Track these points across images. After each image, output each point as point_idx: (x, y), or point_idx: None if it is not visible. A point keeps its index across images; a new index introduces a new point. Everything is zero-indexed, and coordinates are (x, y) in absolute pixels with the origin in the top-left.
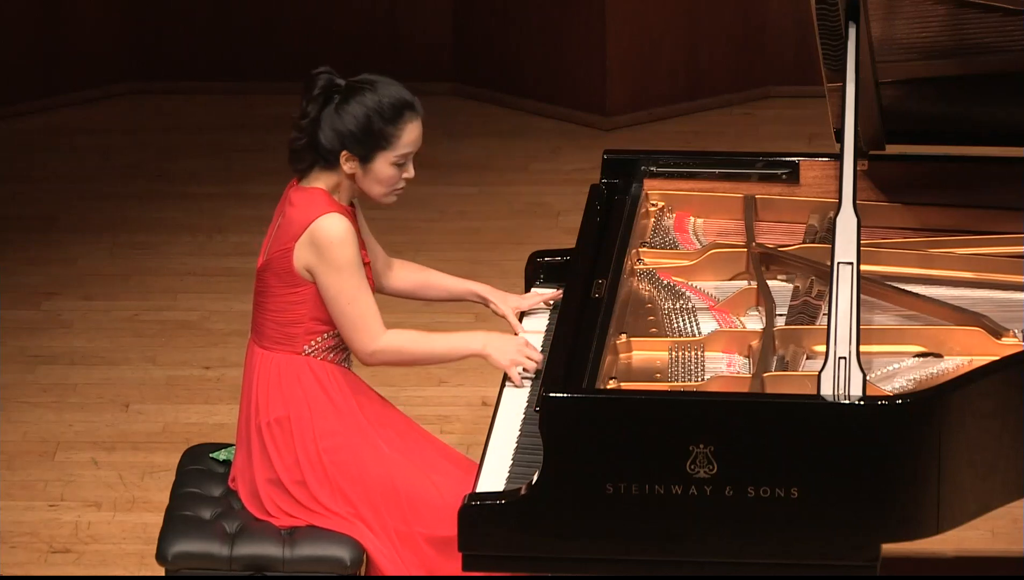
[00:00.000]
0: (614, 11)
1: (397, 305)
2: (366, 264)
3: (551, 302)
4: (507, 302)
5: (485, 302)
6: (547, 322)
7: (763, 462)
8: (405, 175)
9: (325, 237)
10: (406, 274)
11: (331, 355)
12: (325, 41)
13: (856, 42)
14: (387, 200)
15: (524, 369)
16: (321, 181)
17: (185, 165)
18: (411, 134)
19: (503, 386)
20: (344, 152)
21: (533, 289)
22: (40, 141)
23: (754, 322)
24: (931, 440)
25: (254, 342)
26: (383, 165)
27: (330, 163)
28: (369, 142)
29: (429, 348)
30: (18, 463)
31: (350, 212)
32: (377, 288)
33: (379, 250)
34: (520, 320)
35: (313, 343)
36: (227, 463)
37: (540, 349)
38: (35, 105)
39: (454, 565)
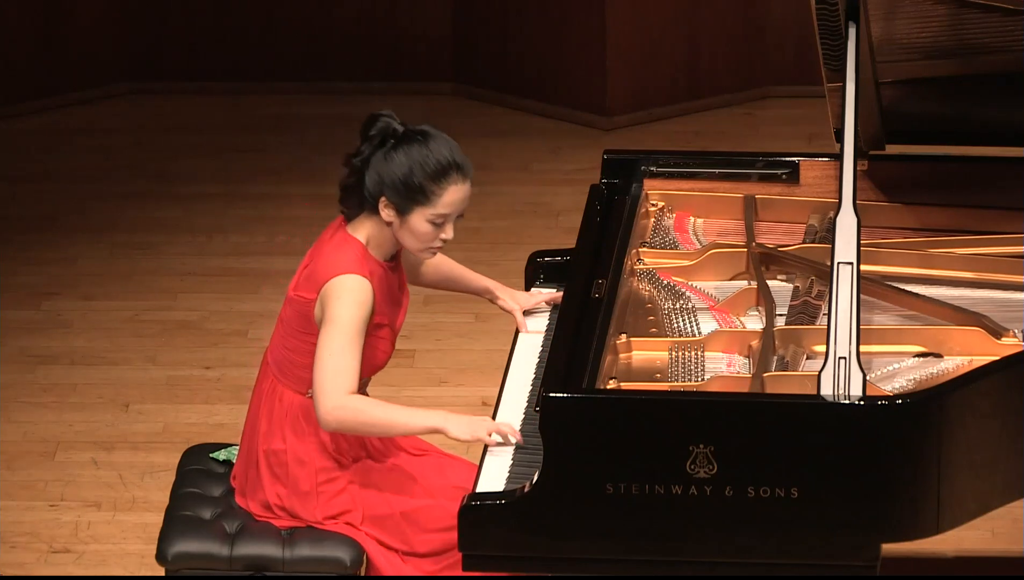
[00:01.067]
0: (614, 11)
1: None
2: (384, 326)
3: (552, 303)
4: (515, 299)
5: (493, 298)
6: (547, 322)
7: (763, 462)
8: (443, 235)
9: (333, 292)
10: (436, 266)
11: None
12: (325, 41)
13: (856, 42)
14: (423, 255)
15: (490, 443)
16: (364, 229)
17: (185, 165)
18: (452, 196)
19: (503, 386)
20: (383, 198)
21: (534, 289)
22: (40, 141)
23: (754, 322)
24: (931, 440)
25: (269, 362)
26: (419, 220)
27: (371, 207)
28: (408, 195)
29: (389, 417)
30: (18, 463)
31: (384, 268)
32: (409, 280)
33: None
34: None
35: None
36: (227, 463)
37: (540, 349)
38: (35, 105)
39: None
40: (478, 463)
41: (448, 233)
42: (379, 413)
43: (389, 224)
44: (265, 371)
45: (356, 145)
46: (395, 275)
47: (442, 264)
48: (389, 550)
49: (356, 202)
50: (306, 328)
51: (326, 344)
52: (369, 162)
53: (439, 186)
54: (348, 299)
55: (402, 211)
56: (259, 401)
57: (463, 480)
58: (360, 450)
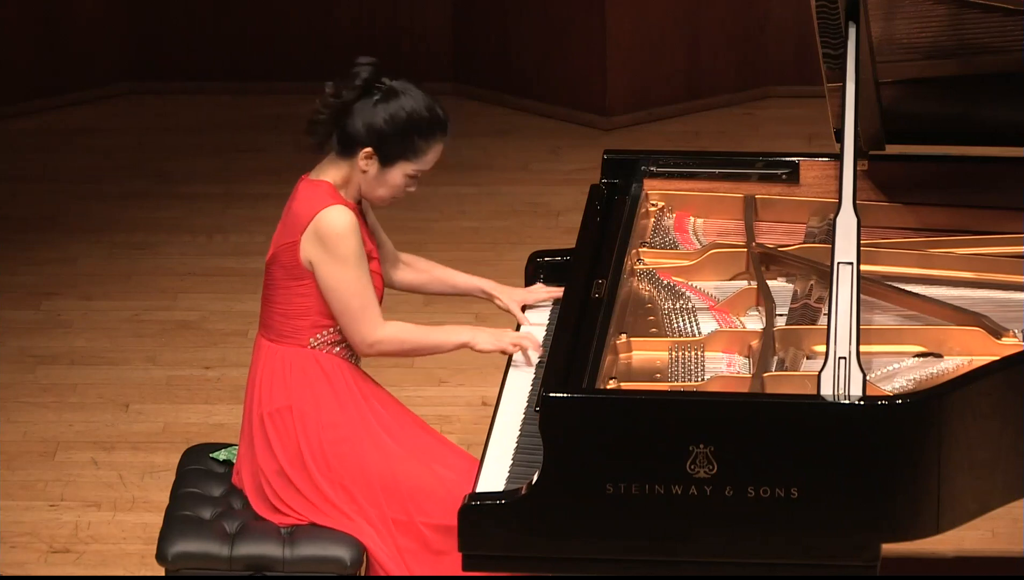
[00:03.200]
0: (614, 11)
1: (396, 304)
2: (374, 258)
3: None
4: (512, 296)
5: (490, 297)
6: (548, 316)
7: (763, 462)
8: (410, 188)
9: (328, 229)
10: (413, 268)
11: (337, 349)
12: (325, 41)
13: (856, 42)
14: (384, 204)
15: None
16: (330, 174)
17: (185, 165)
18: (436, 153)
19: (503, 386)
20: (367, 148)
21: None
22: (40, 141)
23: (754, 322)
24: (931, 440)
25: (261, 335)
26: (399, 173)
27: (346, 153)
28: (398, 147)
29: (426, 338)
30: (18, 463)
31: (355, 207)
32: (386, 283)
33: (388, 244)
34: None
35: (319, 336)
36: (227, 463)
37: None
38: (35, 105)
39: (454, 555)
40: (482, 449)
41: (414, 187)
42: (417, 336)
43: (363, 173)
44: (259, 345)
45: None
46: (361, 217)
47: (426, 265)
48: (389, 545)
49: (324, 135)
50: (293, 273)
51: (343, 283)
52: (351, 110)
53: (428, 143)
54: (343, 231)
55: (386, 162)
56: (256, 370)
57: (466, 474)
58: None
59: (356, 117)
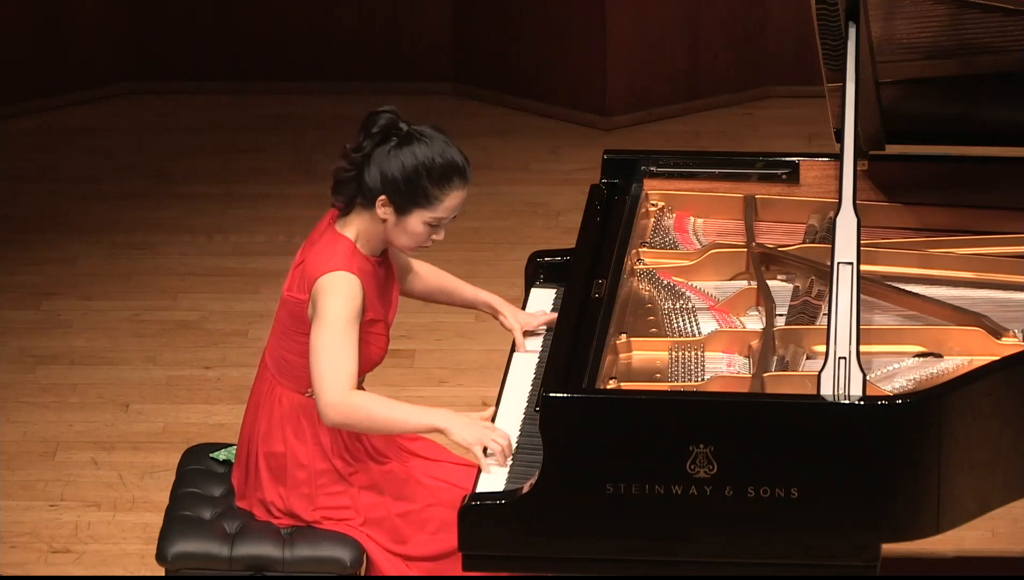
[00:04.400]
0: (614, 11)
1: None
2: (378, 321)
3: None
4: (517, 318)
5: (495, 314)
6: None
7: (763, 462)
8: (435, 237)
9: (322, 290)
10: (426, 279)
11: None
12: (325, 41)
13: (856, 42)
14: (410, 252)
15: (489, 451)
16: (354, 225)
17: (185, 165)
18: (453, 201)
19: (503, 386)
20: (383, 196)
21: (532, 290)
22: (40, 141)
23: (754, 322)
24: (931, 440)
25: (267, 363)
26: (416, 221)
27: (367, 202)
28: (410, 195)
29: (391, 414)
30: (18, 463)
31: (372, 263)
32: (402, 292)
33: (401, 254)
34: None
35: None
36: (227, 463)
37: (540, 350)
38: (35, 105)
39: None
40: (478, 463)
41: (440, 235)
42: (382, 409)
43: (383, 221)
44: (263, 372)
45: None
46: (384, 269)
47: (435, 276)
48: (388, 551)
49: (350, 195)
50: (300, 328)
51: (319, 342)
52: (370, 158)
53: (442, 191)
54: (337, 295)
55: (401, 211)
56: (258, 402)
57: (463, 482)
58: (360, 451)
59: (372, 165)
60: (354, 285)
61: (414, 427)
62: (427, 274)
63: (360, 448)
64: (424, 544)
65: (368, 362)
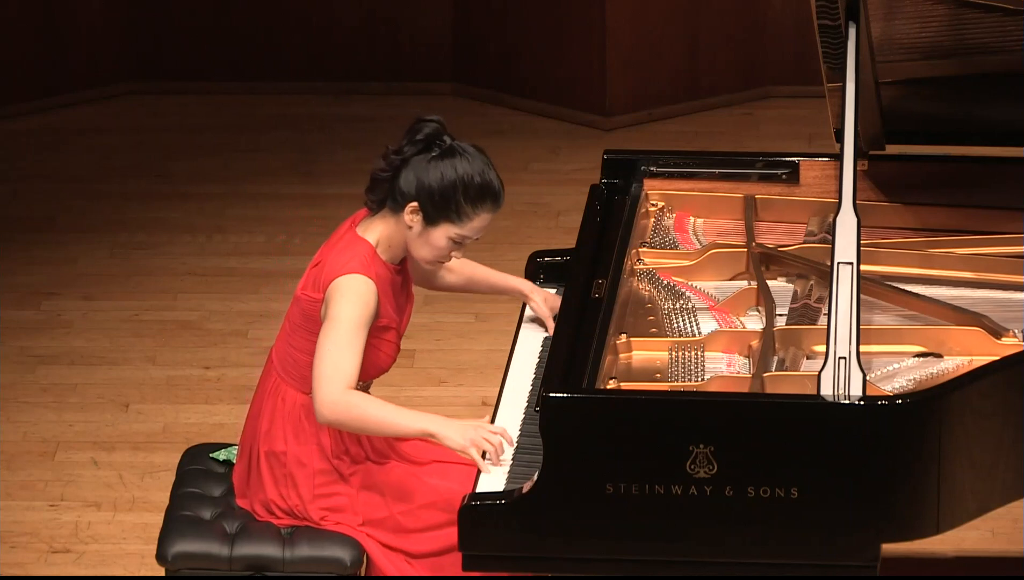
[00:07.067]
0: (614, 11)
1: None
2: (391, 329)
3: None
4: (548, 302)
5: (526, 299)
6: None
7: (763, 462)
8: (455, 254)
9: (337, 291)
10: (459, 270)
11: None
12: (325, 41)
13: (856, 42)
14: (428, 266)
15: (487, 453)
16: (376, 230)
17: (185, 165)
18: (481, 222)
19: (503, 386)
20: (414, 203)
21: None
22: (40, 141)
23: (754, 322)
24: (931, 440)
25: (274, 361)
26: (442, 235)
27: (395, 206)
28: (442, 207)
29: (384, 416)
30: (18, 463)
31: (390, 271)
32: (426, 285)
33: None
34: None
35: None
36: (227, 463)
37: (540, 349)
38: (35, 105)
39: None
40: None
41: (460, 254)
42: (375, 411)
43: (409, 228)
44: (269, 369)
45: (397, 143)
46: (400, 278)
47: (466, 267)
48: (389, 550)
49: (381, 196)
50: (310, 326)
51: (326, 340)
52: (409, 163)
53: (475, 209)
54: (351, 297)
55: (429, 221)
56: (262, 399)
57: (463, 482)
58: (360, 452)
59: (410, 170)
60: (369, 289)
61: (405, 431)
62: (458, 266)
63: (360, 451)
64: (425, 541)
65: (376, 368)
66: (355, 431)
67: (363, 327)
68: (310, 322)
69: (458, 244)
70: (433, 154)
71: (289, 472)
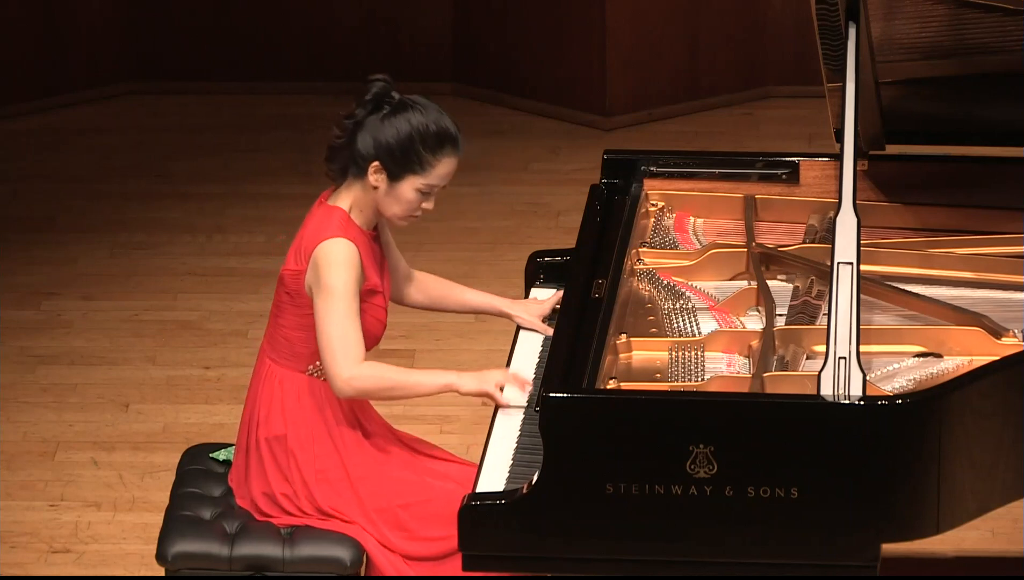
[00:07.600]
0: (614, 11)
1: (400, 306)
2: (378, 293)
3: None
4: (530, 312)
5: (507, 316)
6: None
7: (763, 462)
8: (425, 205)
9: (322, 258)
10: (425, 287)
11: None
12: (325, 41)
13: (856, 42)
14: (400, 223)
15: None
16: (345, 197)
17: (185, 165)
18: (445, 168)
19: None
20: (376, 163)
21: (533, 293)
22: (40, 141)
23: (754, 322)
24: (931, 440)
25: (265, 352)
26: (408, 188)
27: (359, 171)
28: (403, 161)
29: (405, 380)
30: (18, 463)
31: (367, 236)
32: (396, 300)
33: (401, 262)
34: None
35: (318, 364)
36: (227, 463)
37: (540, 349)
38: (35, 105)
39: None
40: (482, 449)
41: (430, 204)
42: (394, 375)
43: (375, 189)
44: (261, 358)
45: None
46: (377, 244)
47: (436, 284)
48: (388, 550)
49: (342, 164)
50: (298, 301)
51: (326, 314)
52: (363, 125)
53: (435, 156)
54: (337, 263)
55: (393, 177)
56: (257, 387)
57: (463, 481)
58: (362, 438)
59: (366, 132)
60: (352, 251)
61: (427, 389)
62: (428, 283)
63: (359, 433)
64: (424, 545)
65: (370, 337)
66: (379, 400)
67: (356, 293)
68: (296, 296)
69: (426, 194)
70: (384, 112)
71: (291, 454)
